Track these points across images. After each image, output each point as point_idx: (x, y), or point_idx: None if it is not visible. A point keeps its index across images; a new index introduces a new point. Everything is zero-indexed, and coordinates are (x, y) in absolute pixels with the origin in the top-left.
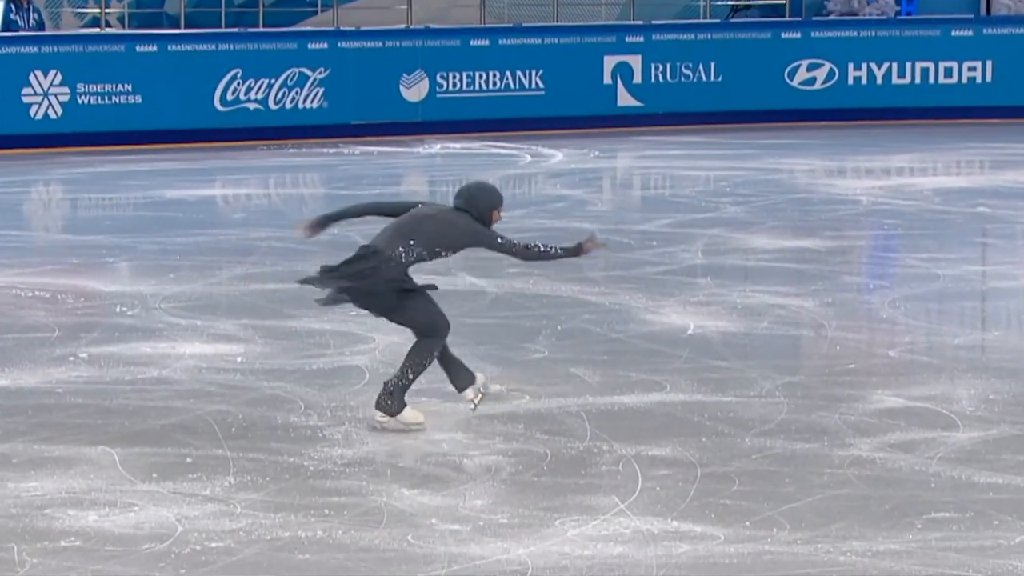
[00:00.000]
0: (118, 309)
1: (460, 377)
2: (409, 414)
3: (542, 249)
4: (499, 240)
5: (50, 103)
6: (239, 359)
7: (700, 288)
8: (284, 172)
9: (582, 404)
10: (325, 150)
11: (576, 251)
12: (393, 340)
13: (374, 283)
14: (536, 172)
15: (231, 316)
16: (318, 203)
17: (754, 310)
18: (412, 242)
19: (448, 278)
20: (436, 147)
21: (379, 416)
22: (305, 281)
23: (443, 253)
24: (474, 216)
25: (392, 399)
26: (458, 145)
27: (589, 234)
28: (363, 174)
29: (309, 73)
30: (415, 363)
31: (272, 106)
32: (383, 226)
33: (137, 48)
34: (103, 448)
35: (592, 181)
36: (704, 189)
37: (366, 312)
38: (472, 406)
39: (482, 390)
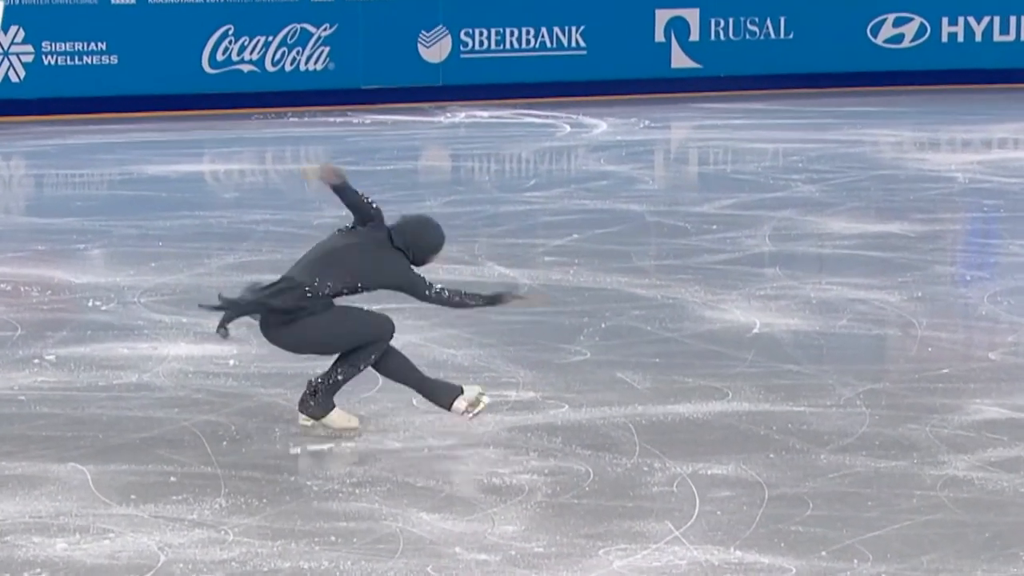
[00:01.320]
0: (90, 303)
1: (441, 392)
2: (338, 417)
3: (460, 300)
4: (425, 292)
5: (11, 64)
6: (231, 362)
7: (768, 280)
8: (283, 145)
9: (630, 414)
10: (331, 119)
11: (495, 300)
12: (409, 340)
13: (291, 315)
14: (576, 145)
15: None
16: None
17: (831, 306)
18: (336, 275)
19: (474, 267)
20: (460, 116)
21: (302, 418)
22: (210, 307)
23: (363, 290)
24: (409, 258)
25: (315, 400)
26: (485, 113)
27: (512, 287)
28: (375, 147)
29: (312, 30)
30: (347, 365)
31: (269, 68)
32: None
33: (112, 0)
34: (73, 465)
35: (641, 155)
36: (772, 164)
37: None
38: (470, 415)
39: (482, 399)
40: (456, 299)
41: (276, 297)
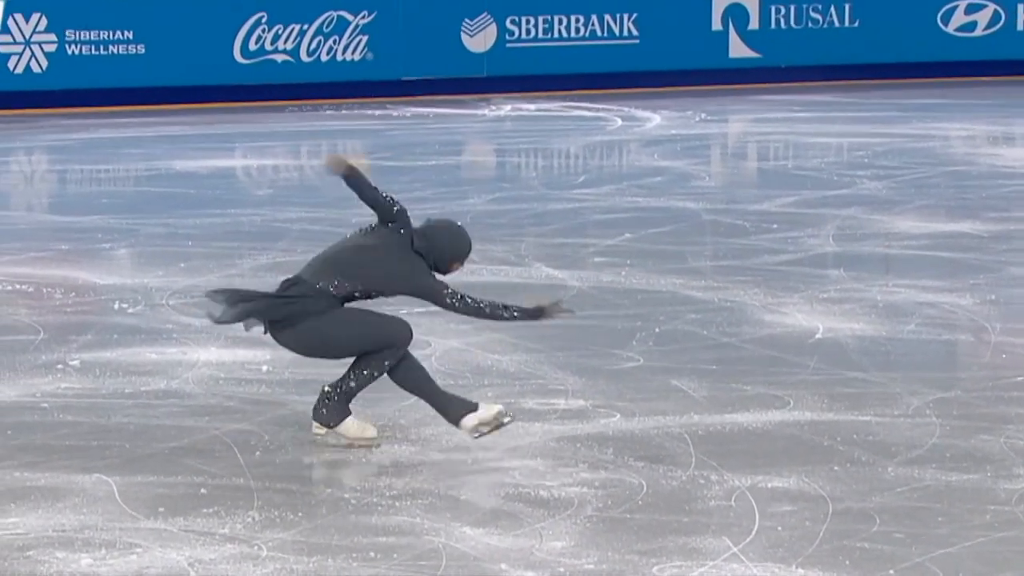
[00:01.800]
0: (116, 306)
1: (452, 407)
2: (352, 425)
3: (492, 312)
4: (448, 300)
5: (33, 54)
6: (264, 368)
7: (831, 282)
8: (319, 139)
9: (685, 424)
10: (369, 112)
11: (536, 314)
12: (452, 345)
13: (296, 314)
14: (628, 139)
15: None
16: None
17: (899, 309)
18: (346, 277)
19: (520, 268)
20: (505, 108)
21: (315, 427)
22: (211, 295)
23: (377, 295)
24: (429, 263)
25: (328, 408)
26: (532, 106)
27: (556, 298)
28: (415, 141)
29: (350, 18)
30: (360, 371)
31: (304, 58)
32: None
33: None
34: (99, 476)
35: (697, 150)
36: (836, 160)
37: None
38: (477, 434)
39: (503, 420)
40: (487, 310)
41: (276, 296)
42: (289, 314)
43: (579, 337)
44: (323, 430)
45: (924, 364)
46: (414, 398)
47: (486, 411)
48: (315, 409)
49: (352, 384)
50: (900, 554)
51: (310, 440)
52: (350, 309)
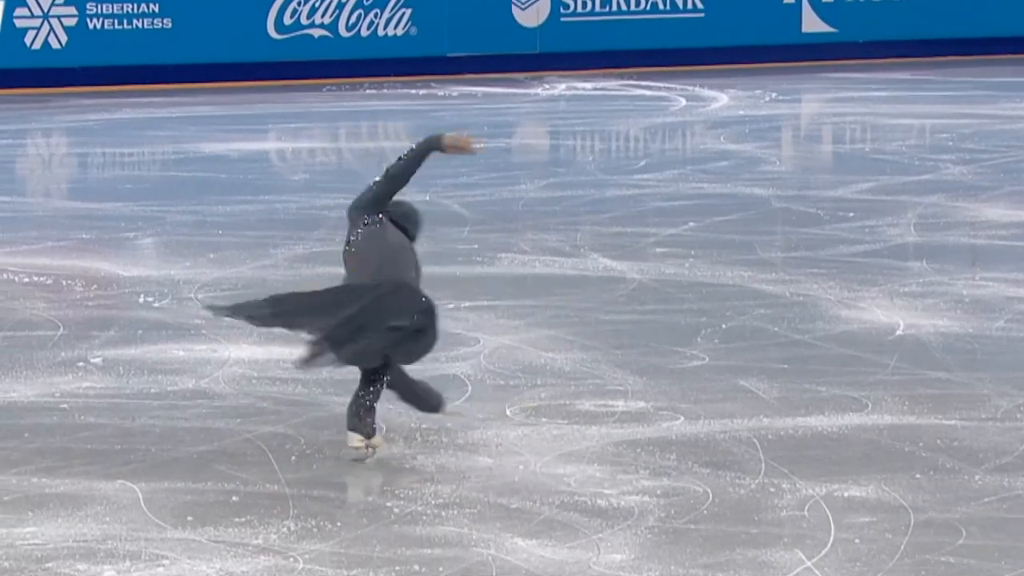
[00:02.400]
0: (141, 299)
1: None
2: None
3: (390, 175)
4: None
5: (51, 28)
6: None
7: (913, 275)
8: (358, 120)
9: (754, 428)
10: (412, 91)
11: (433, 144)
12: (502, 342)
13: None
14: (693, 121)
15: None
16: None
17: (986, 304)
18: (415, 271)
19: (575, 259)
20: (559, 87)
21: (357, 440)
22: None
23: None
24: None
25: (372, 417)
26: (589, 85)
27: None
28: (462, 123)
29: None
30: (383, 379)
31: (343, 33)
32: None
33: None
34: (122, 483)
35: (767, 132)
36: (918, 143)
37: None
38: (352, 454)
39: (369, 445)
40: (386, 181)
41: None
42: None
43: (640, 334)
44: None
45: (1013, 364)
46: (461, 399)
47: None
48: (363, 421)
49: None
50: (988, 569)
51: (347, 443)
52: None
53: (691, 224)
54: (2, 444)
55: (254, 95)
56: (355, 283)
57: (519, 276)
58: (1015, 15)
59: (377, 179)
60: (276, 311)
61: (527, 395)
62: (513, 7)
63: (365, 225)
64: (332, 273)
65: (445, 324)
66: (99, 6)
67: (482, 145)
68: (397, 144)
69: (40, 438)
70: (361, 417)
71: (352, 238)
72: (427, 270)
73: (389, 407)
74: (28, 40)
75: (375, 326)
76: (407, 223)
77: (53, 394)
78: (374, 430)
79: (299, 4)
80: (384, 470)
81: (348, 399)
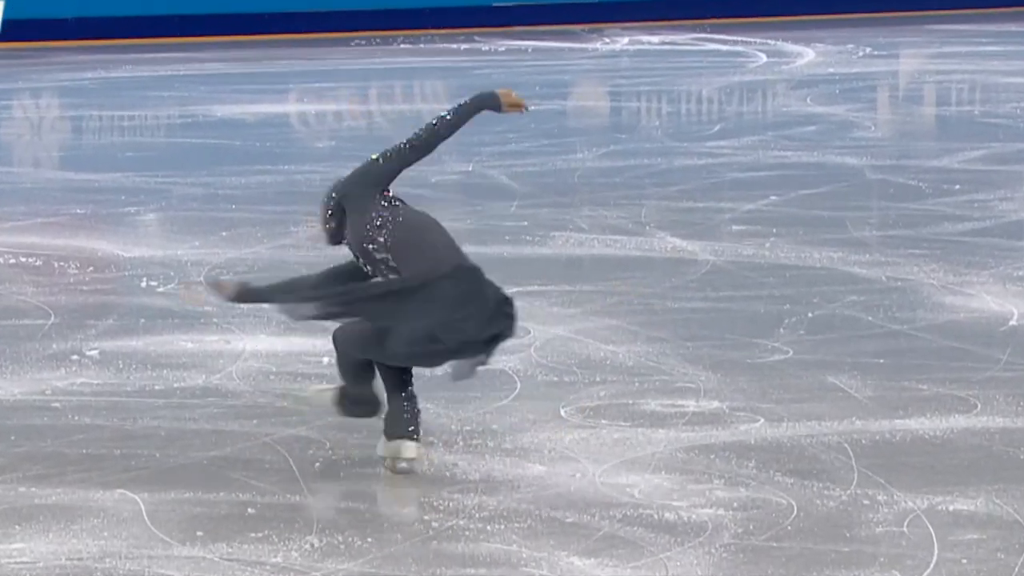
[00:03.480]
0: (144, 284)
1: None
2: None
3: (422, 135)
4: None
5: None
6: (326, 360)
7: None
8: (392, 78)
9: (845, 431)
10: (453, 46)
11: (485, 102)
12: (556, 333)
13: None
14: (775, 79)
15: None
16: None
17: None
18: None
19: (640, 238)
20: (622, 42)
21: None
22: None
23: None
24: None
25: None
26: (655, 39)
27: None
28: (510, 82)
29: None
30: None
31: None
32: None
33: None
34: (122, 492)
35: (860, 93)
36: None
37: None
38: (406, 467)
39: (410, 455)
40: (409, 150)
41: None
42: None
43: (714, 324)
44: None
45: None
46: (509, 398)
47: (405, 448)
48: (414, 429)
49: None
50: None
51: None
52: None
53: (772, 198)
54: None
55: (273, 50)
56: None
57: (575, 257)
58: None
59: (377, 154)
60: (331, 308)
61: (584, 394)
62: None
63: (387, 207)
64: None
65: None
66: None
67: (531, 107)
68: (435, 106)
69: (29, 441)
70: (414, 423)
71: (374, 225)
72: (470, 250)
73: (427, 407)
74: None
75: (466, 329)
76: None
77: (43, 392)
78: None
79: None
80: (421, 479)
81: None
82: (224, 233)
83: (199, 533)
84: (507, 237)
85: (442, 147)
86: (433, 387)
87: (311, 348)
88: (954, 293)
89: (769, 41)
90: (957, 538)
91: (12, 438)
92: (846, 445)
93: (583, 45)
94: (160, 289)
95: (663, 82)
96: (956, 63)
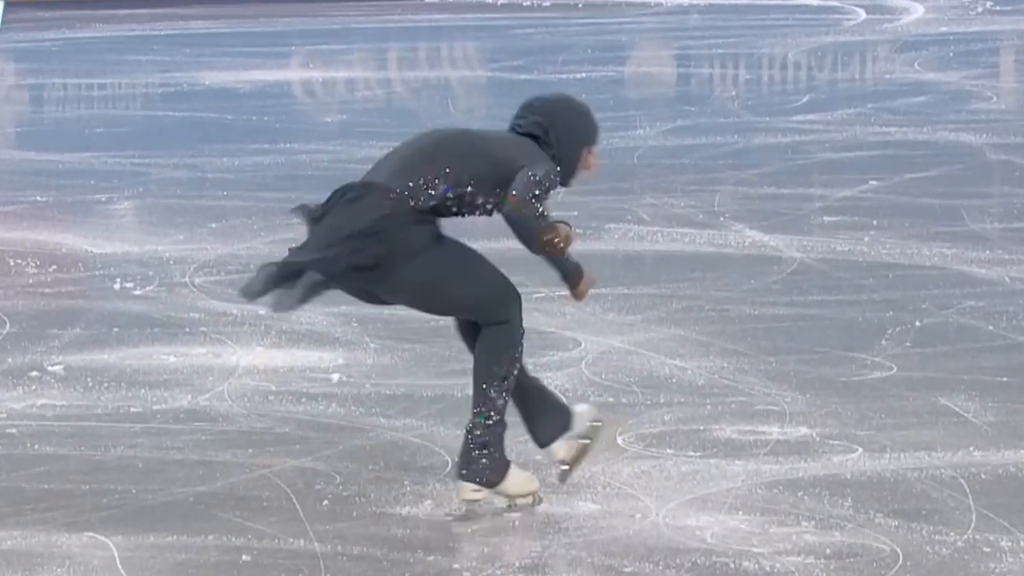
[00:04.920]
0: (117, 285)
1: (545, 420)
2: (517, 479)
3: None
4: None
5: None
6: (335, 377)
7: None
8: (415, 39)
9: (961, 463)
10: (488, 1)
11: (573, 274)
12: (611, 344)
13: (388, 255)
14: (875, 40)
15: (319, 299)
16: (477, 95)
17: None
18: (442, 176)
19: (712, 231)
20: None
21: (469, 491)
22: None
23: (480, 196)
24: (554, 156)
25: (486, 455)
26: None
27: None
28: (557, 44)
29: None
30: (492, 375)
31: None
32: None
33: None
34: (91, 536)
35: (979, 56)
36: None
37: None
38: (565, 468)
39: (584, 441)
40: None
41: (354, 236)
42: (377, 257)
43: (801, 334)
44: (480, 492)
45: None
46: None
47: (583, 417)
48: (464, 463)
49: (498, 401)
50: None
51: (403, 483)
52: (453, 248)
53: (873, 183)
54: None
55: (271, 6)
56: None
57: (634, 255)
58: None
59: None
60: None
61: (646, 417)
62: None
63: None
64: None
65: (532, 319)
66: None
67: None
68: (467, 73)
69: None
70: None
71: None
72: (506, 244)
73: (458, 434)
74: None
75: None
76: (548, 123)
77: None
78: (492, 479)
79: None
80: (449, 520)
81: (403, 421)
82: (213, 225)
83: None
84: None
85: (474, 122)
86: (466, 409)
87: (317, 362)
88: None
89: None
90: None
91: None
92: (961, 481)
93: (644, 0)
94: (137, 292)
95: (740, 44)
96: None
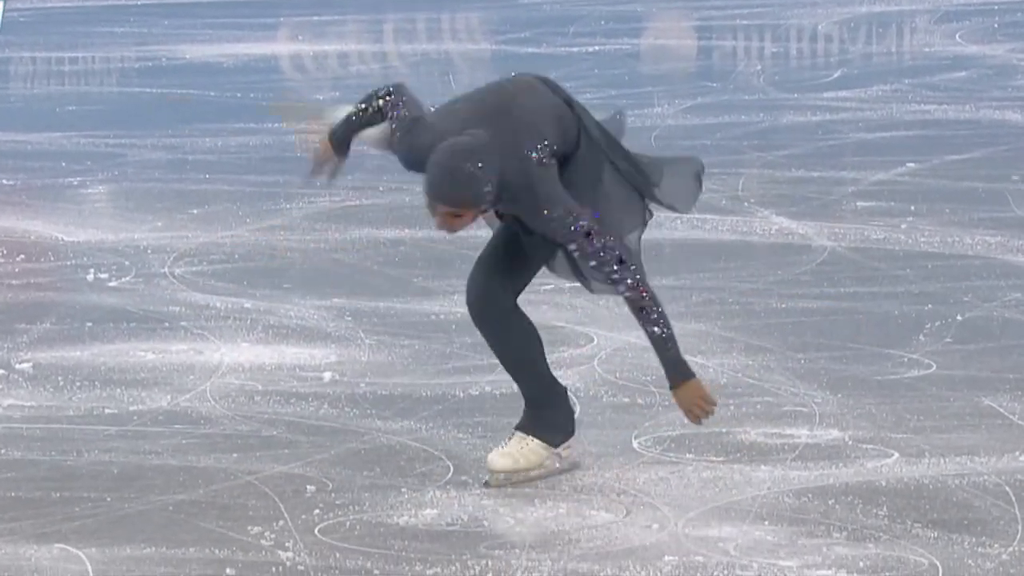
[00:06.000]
0: (91, 276)
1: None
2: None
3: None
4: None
5: None
6: (327, 375)
7: None
8: (411, 10)
9: (1005, 470)
10: None
11: (683, 377)
12: (627, 341)
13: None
14: (913, 10)
15: (309, 291)
16: (481, 70)
17: None
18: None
19: (736, 217)
20: None
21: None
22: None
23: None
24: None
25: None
26: None
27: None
28: (568, 15)
29: None
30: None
31: None
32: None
33: None
34: (62, 548)
35: None
36: None
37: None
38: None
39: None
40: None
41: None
42: None
43: (833, 329)
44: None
45: None
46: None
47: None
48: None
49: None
50: None
51: (400, 491)
52: None
53: (910, 165)
54: None
55: None
56: None
57: (651, 243)
58: None
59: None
60: None
61: (663, 419)
62: None
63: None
64: (374, 238)
65: (543, 314)
66: None
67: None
68: (469, 47)
69: None
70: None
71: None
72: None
73: (460, 437)
74: None
75: None
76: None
77: None
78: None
79: None
80: (451, 529)
81: (399, 423)
82: (195, 211)
83: None
84: None
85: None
86: (469, 411)
87: (307, 360)
88: None
89: None
90: None
91: None
92: (1007, 488)
93: None
94: (112, 283)
95: (766, 13)
96: None
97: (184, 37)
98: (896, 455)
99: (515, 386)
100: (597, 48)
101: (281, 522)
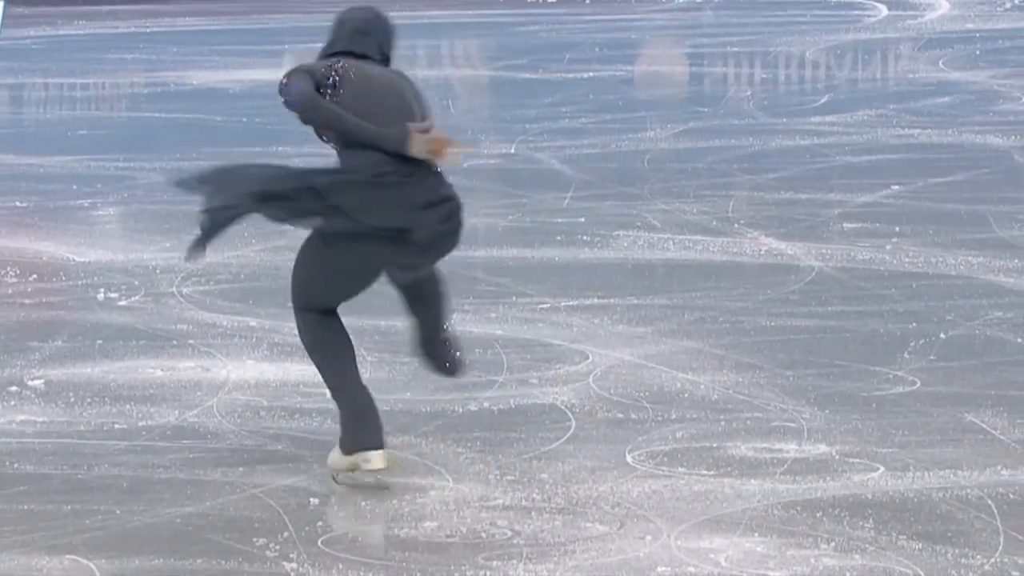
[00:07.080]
0: (101, 295)
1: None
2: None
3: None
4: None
5: None
6: (330, 392)
7: None
8: (414, 38)
9: (988, 483)
10: None
11: (398, 140)
12: (621, 358)
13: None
14: (898, 37)
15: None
16: (479, 95)
17: None
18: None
19: (726, 239)
20: None
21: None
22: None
23: None
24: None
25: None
26: None
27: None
28: (562, 41)
29: None
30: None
31: None
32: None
33: None
34: (73, 559)
35: (1008, 55)
36: None
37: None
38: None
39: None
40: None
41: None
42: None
43: (820, 347)
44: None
45: None
46: (561, 440)
47: (367, 458)
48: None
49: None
50: None
51: (401, 504)
52: None
53: (895, 188)
54: None
55: (263, 2)
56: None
57: (644, 263)
58: None
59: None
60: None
61: (656, 434)
62: None
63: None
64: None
65: (537, 331)
66: None
67: (463, 150)
68: (468, 72)
69: None
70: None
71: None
72: (514, 252)
73: (459, 451)
74: None
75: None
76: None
77: None
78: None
79: None
80: (450, 540)
81: (401, 438)
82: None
83: None
84: (559, 236)
85: (476, 123)
86: (467, 426)
87: (311, 376)
88: None
89: None
90: None
91: None
92: (989, 501)
93: None
94: (122, 303)
95: (756, 41)
96: None
97: (192, 63)
98: (882, 469)
99: (513, 402)
100: (592, 74)
101: (286, 534)
